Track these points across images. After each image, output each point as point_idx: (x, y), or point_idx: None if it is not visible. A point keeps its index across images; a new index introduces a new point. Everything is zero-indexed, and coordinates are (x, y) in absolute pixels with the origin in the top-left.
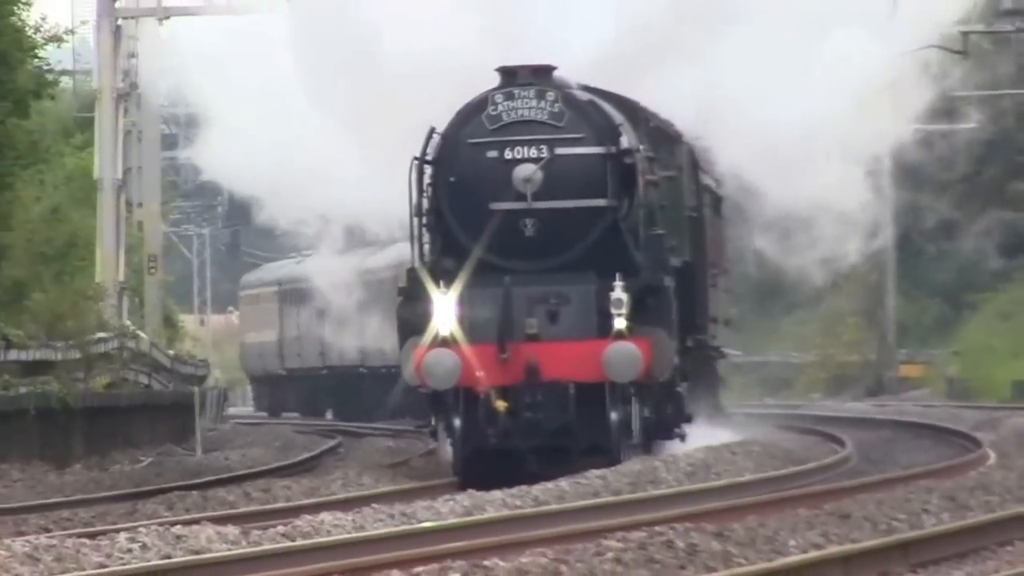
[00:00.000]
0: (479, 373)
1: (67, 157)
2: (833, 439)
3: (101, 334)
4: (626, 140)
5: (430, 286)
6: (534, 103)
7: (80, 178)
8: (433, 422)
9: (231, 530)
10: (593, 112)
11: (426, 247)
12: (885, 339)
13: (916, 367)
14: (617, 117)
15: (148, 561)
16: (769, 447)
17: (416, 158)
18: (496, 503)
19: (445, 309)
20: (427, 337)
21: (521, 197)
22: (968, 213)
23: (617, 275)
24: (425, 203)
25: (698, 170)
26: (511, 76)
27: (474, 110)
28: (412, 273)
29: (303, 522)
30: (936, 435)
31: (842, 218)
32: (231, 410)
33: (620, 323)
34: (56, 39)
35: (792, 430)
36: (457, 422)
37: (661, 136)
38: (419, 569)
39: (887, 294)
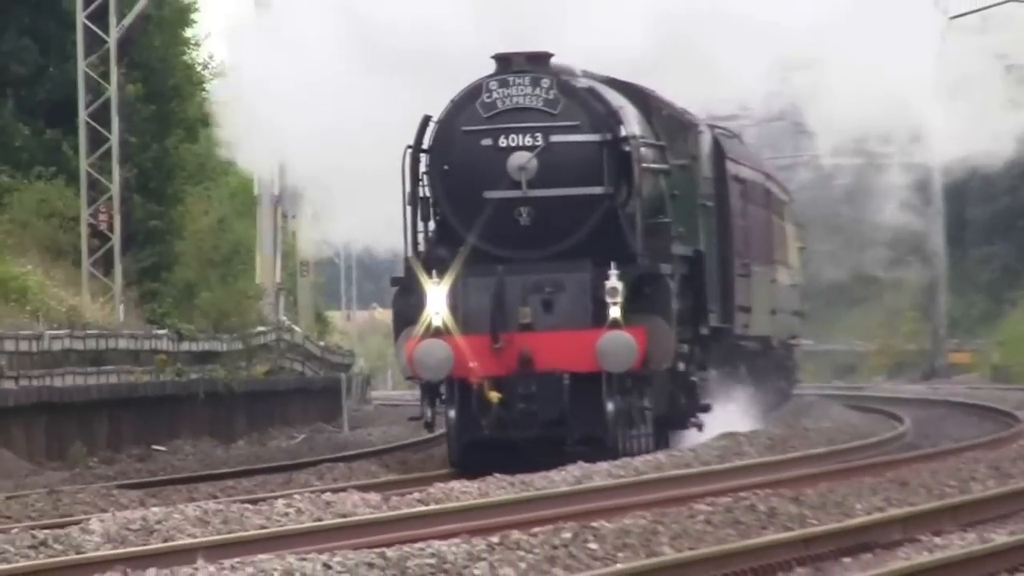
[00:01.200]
0: (472, 364)
1: (230, 176)
2: (893, 417)
3: (261, 328)
4: (625, 127)
5: (422, 276)
6: (529, 90)
7: (242, 194)
8: (429, 414)
9: (373, 496)
10: (590, 99)
11: (421, 236)
12: (937, 330)
13: (964, 355)
14: (616, 104)
15: (302, 523)
16: (838, 424)
17: (409, 146)
18: (602, 473)
19: (437, 299)
20: (419, 327)
21: (516, 185)
22: (1010, 221)
23: (612, 263)
24: (424, 192)
25: (726, 160)
26: (506, 63)
27: (468, 98)
28: (407, 263)
29: (436, 489)
30: (982, 413)
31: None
32: (374, 393)
33: (615, 312)
34: (221, 74)
35: (857, 409)
36: (452, 413)
37: (675, 124)
38: (536, 529)
39: (939, 292)
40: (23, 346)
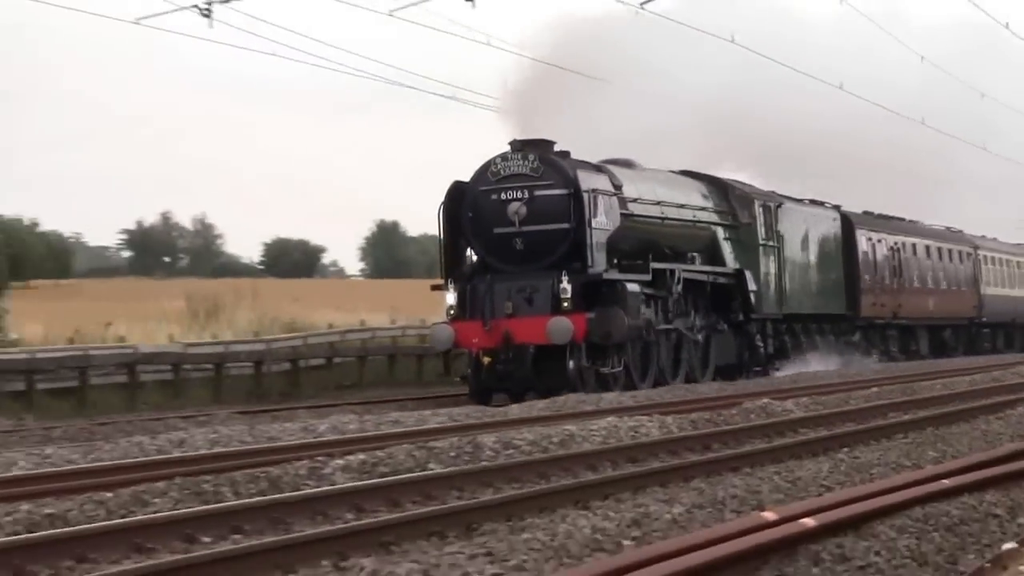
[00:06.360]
0: (474, 340)
1: None
2: None
3: None
4: (584, 184)
5: (447, 283)
6: (521, 162)
7: None
8: (469, 372)
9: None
10: (562, 166)
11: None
12: None
13: None
14: (577, 170)
15: None
16: None
17: (443, 203)
18: None
19: (450, 298)
20: (445, 315)
21: (512, 224)
22: None
23: (564, 272)
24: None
25: (855, 230)
26: (511, 146)
27: (485, 168)
28: (442, 276)
29: None
30: None
31: None
32: None
33: (564, 304)
34: None
35: None
36: (469, 371)
37: (743, 199)
38: None
39: None
40: None
